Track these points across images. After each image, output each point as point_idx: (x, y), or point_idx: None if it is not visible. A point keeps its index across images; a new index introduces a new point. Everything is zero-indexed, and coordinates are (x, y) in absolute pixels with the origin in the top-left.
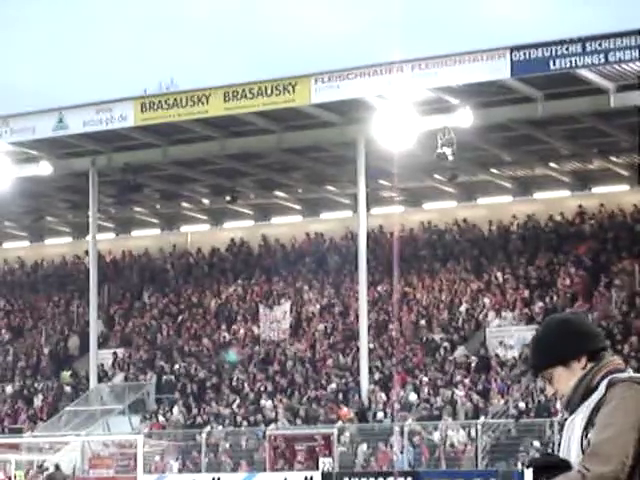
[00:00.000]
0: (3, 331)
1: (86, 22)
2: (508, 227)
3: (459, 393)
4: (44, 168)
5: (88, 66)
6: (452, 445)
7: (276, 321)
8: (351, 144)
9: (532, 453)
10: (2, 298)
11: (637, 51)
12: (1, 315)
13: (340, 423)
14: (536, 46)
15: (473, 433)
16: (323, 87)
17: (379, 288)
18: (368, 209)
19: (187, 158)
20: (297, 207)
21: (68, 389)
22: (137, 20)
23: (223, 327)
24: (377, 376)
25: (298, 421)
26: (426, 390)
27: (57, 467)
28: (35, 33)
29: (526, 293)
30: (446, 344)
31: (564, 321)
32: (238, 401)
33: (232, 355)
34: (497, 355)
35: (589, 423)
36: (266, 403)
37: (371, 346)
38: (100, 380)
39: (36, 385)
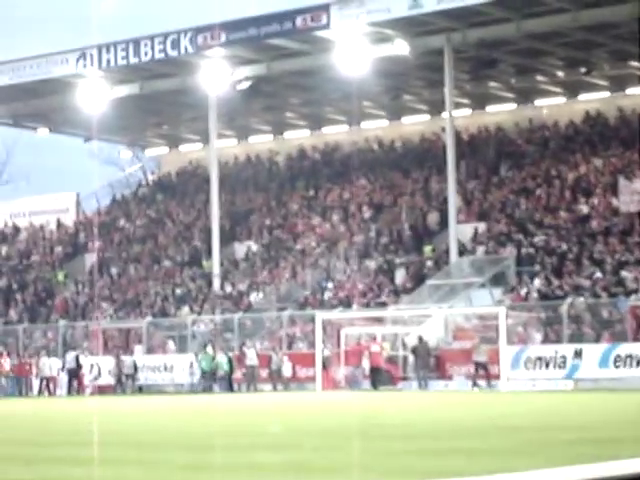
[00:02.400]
0: (364, 208)
1: None
2: None
3: None
4: (400, 47)
5: None
6: None
7: (636, 193)
8: None
9: None
10: (363, 176)
11: None
12: (362, 193)
13: None
14: None
15: None
16: None
17: None
18: None
19: (541, 31)
20: None
21: (429, 263)
22: None
23: (581, 200)
24: None
25: None
26: None
27: (420, 339)
28: None
29: None
30: None
31: None
32: (598, 273)
33: None
34: None
35: None
36: (627, 275)
37: None
38: (460, 254)
39: (398, 260)
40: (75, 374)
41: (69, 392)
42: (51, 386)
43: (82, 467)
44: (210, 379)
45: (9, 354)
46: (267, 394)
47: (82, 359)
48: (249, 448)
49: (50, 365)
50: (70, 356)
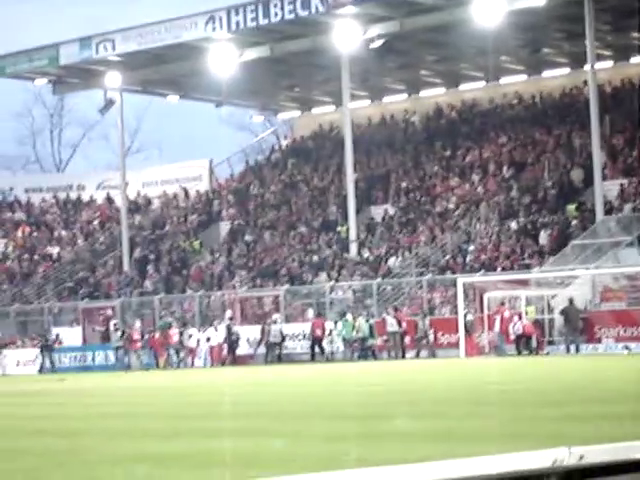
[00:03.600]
0: (505, 167)
1: None
2: None
3: None
4: None
5: None
6: None
7: None
8: None
9: None
10: (502, 134)
11: None
12: (502, 151)
13: None
14: None
15: None
16: None
17: None
18: None
19: None
20: None
21: (574, 222)
22: None
23: None
24: None
25: None
26: None
27: (570, 301)
28: None
29: None
30: None
31: None
32: None
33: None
34: None
35: None
36: None
37: None
38: (607, 212)
39: (541, 220)
40: (228, 344)
41: (222, 363)
42: (189, 357)
43: (224, 439)
44: (351, 347)
45: (184, 325)
46: (410, 361)
47: (233, 329)
48: (392, 416)
49: (188, 335)
50: (221, 326)
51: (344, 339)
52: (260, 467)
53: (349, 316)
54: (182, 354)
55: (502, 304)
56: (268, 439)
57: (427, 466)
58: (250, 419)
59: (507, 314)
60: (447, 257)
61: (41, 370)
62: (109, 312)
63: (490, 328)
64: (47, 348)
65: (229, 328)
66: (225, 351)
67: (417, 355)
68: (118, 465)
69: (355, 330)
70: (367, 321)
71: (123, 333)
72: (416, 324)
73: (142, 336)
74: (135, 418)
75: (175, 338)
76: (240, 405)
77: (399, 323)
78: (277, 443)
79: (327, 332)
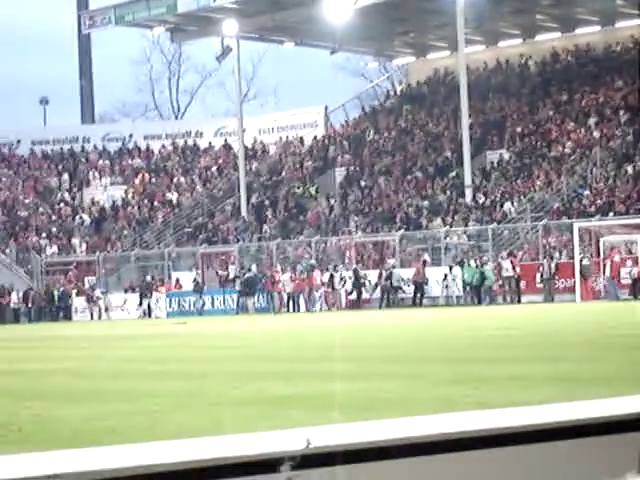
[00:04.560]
0: (621, 111)
1: None
2: None
3: None
4: None
5: None
6: None
7: None
8: None
9: None
10: (618, 78)
11: None
12: (619, 95)
13: None
14: None
15: None
16: None
17: None
18: None
19: None
20: None
21: None
22: None
23: None
24: None
25: None
26: None
27: None
28: None
29: None
30: None
31: None
32: None
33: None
34: None
35: None
36: None
37: None
38: None
39: None
40: (355, 288)
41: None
42: (319, 300)
43: (341, 382)
44: (472, 291)
45: (321, 271)
46: (525, 305)
47: (361, 273)
48: (509, 360)
49: (339, 279)
50: (348, 271)
51: (465, 284)
52: (378, 409)
53: (472, 261)
54: (313, 297)
55: (612, 249)
56: (386, 381)
57: (549, 408)
58: (369, 362)
59: (617, 258)
60: (563, 202)
61: (147, 314)
62: (232, 257)
63: (606, 272)
64: (146, 293)
65: (356, 272)
66: (346, 295)
67: (548, 298)
68: (239, 407)
69: (473, 275)
70: (477, 266)
71: (250, 276)
72: (539, 266)
73: (286, 279)
74: (256, 361)
75: (318, 281)
76: (360, 348)
77: (514, 268)
78: (395, 385)
79: (426, 277)
